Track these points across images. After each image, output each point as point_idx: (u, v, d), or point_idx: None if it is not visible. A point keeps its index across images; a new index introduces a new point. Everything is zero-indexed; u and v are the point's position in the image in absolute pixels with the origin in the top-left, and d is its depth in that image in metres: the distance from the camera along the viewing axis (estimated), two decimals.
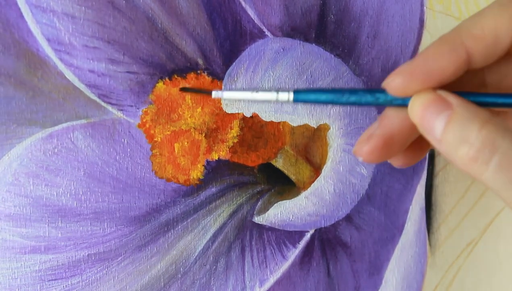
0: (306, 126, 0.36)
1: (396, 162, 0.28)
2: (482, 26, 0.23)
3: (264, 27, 0.33)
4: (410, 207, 0.39)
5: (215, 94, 0.30)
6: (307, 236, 0.36)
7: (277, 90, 0.27)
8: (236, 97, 0.29)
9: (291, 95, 0.27)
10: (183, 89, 0.31)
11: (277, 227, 0.35)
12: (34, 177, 0.29)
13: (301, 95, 0.27)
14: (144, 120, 0.31)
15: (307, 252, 0.36)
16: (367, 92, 0.25)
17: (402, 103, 0.25)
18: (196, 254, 0.33)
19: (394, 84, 0.24)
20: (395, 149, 0.26)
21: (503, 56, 0.24)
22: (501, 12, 0.23)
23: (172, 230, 0.32)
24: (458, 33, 0.24)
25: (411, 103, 0.24)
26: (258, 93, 0.28)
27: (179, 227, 0.33)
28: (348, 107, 0.35)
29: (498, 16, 0.23)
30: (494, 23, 0.23)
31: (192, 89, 0.31)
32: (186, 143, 0.32)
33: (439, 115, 0.22)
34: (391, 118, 0.26)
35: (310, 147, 0.36)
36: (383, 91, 0.25)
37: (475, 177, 0.22)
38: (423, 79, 0.23)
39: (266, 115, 0.33)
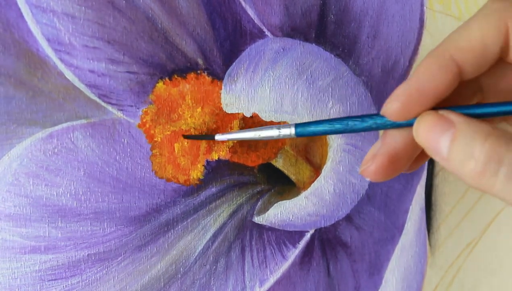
0: None
1: None
2: (469, 37, 0.23)
3: (264, 27, 0.33)
4: (410, 207, 0.39)
5: (218, 137, 0.30)
6: (307, 236, 0.36)
7: (279, 127, 0.28)
8: (239, 138, 0.30)
9: (292, 130, 0.27)
10: (186, 137, 0.32)
11: (277, 227, 0.35)
12: (34, 177, 0.29)
13: (303, 129, 0.27)
14: (144, 120, 0.31)
15: (307, 252, 0.36)
16: (368, 119, 0.26)
17: (402, 125, 0.25)
18: (196, 254, 0.33)
19: (392, 110, 0.24)
20: (401, 165, 0.26)
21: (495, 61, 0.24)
22: (487, 22, 0.23)
23: (172, 230, 0.32)
24: (446, 47, 0.24)
25: (415, 127, 0.24)
26: (260, 132, 0.28)
27: (179, 227, 0.33)
28: (348, 107, 0.35)
29: (484, 25, 0.23)
30: (481, 33, 0.23)
31: (196, 136, 0.32)
32: (186, 143, 0.32)
33: (443, 135, 0.23)
34: (393, 136, 0.26)
35: (310, 147, 0.36)
36: (382, 116, 0.25)
37: (486, 190, 0.22)
38: (420, 101, 0.23)
39: (266, 115, 0.33)
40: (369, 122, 0.25)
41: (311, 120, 0.34)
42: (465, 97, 0.26)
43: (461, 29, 0.24)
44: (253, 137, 0.29)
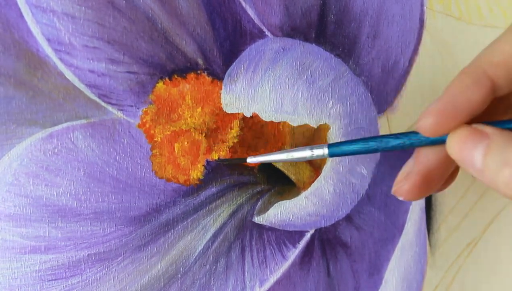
0: (306, 126, 0.36)
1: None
2: (501, 52, 0.23)
3: (264, 27, 0.33)
4: (410, 207, 0.39)
5: (250, 160, 0.30)
6: (307, 236, 0.36)
7: (311, 148, 0.28)
8: (271, 160, 0.30)
9: (325, 150, 0.27)
10: (219, 161, 0.32)
11: (277, 227, 0.35)
12: (34, 177, 0.29)
13: (336, 149, 0.27)
14: (144, 120, 0.31)
15: (307, 252, 0.36)
16: (402, 136, 0.26)
17: (436, 141, 0.25)
18: (196, 254, 0.33)
19: (426, 126, 0.24)
20: (435, 183, 0.26)
21: None
22: None
23: (172, 230, 0.32)
24: (479, 63, 0.24)
25: (449, 142, 0.24)
26: (293, 153, 0.28)
27: (179, 227, 0.33)
28: (348, 107, 0.35)
29: None
30: None
31: (227, 160, 0.32)
32: (186, 143, 0.32)
33: (477, 146, 0.23)
34: (426, 154, 0.26)
35: None
36: (416, 133, 0.25)
37: None
38: (454, 116, 0.23)
39: (266, 115, 0.33)
40: (403, 139, 0.25)
41: (311, 120, 0.34)
42: (498, 114, 0.26)
43: (494, 44, 0.24)
44: (285, 159, 0.29)
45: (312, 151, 0.28)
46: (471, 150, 0.23)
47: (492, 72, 0.23)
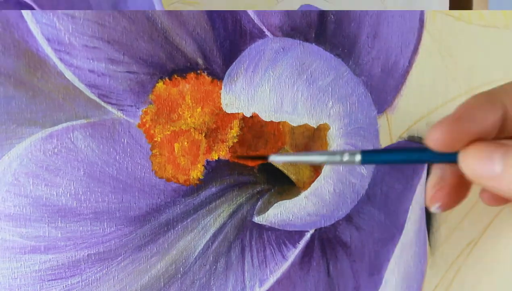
0: (306, 126, 0.36)
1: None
2: None
3: (264, 27, 0.33)
4: (410, 206, 0.39)
5: (272, 159, 0.27)
6: (307, 235, 0.36)
7: (342, 153, 0.25)
8: (296, 161, 0.29)
9: (358, 157, 0.25)
10: (239, 157, 0.32)
11: (277, 227, 0.35)
12: (34, 177, 0.29)
13: (369, 157, 0.25)
14: (144, 120, 0.31)
15: (307, 252, 0.36)
16: (420, 150, 0.25)
17: (447, 159, 0.24)
18: (196, 254, 0.33)
19: (435, 139, 0.23)
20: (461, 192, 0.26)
21: None
22: None
23: (172, 230, 0.32)
24: (494, 91, 0.24)
25: (462, 156, 0.23)
26: (323, 157, 0.26)
27: (179, 227, 0.33)
28: (348, 107, 0.35)
29: None
30: None
31: (248, 156, 0.32)
32: (186, 143, 0.32)
33: (494, 155, 0.22)
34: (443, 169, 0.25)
35: (310, 146, 0.36)
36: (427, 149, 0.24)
37: None
38: (467, 130, 0.23)
39: (266, 115, 0.33)
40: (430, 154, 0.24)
41: (311, 120, 0.34)
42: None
43: None
44: (312, 161, 0.28)
45: (342, 157, 0.25)
46: (487, 159, 0.22)
47: (507, 102, 0.23)
